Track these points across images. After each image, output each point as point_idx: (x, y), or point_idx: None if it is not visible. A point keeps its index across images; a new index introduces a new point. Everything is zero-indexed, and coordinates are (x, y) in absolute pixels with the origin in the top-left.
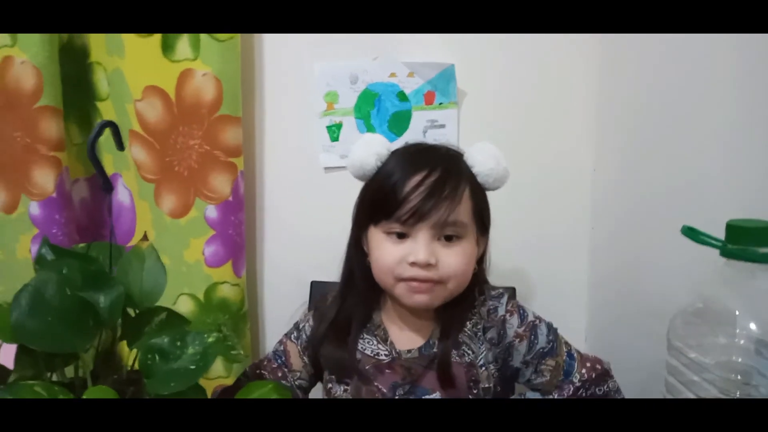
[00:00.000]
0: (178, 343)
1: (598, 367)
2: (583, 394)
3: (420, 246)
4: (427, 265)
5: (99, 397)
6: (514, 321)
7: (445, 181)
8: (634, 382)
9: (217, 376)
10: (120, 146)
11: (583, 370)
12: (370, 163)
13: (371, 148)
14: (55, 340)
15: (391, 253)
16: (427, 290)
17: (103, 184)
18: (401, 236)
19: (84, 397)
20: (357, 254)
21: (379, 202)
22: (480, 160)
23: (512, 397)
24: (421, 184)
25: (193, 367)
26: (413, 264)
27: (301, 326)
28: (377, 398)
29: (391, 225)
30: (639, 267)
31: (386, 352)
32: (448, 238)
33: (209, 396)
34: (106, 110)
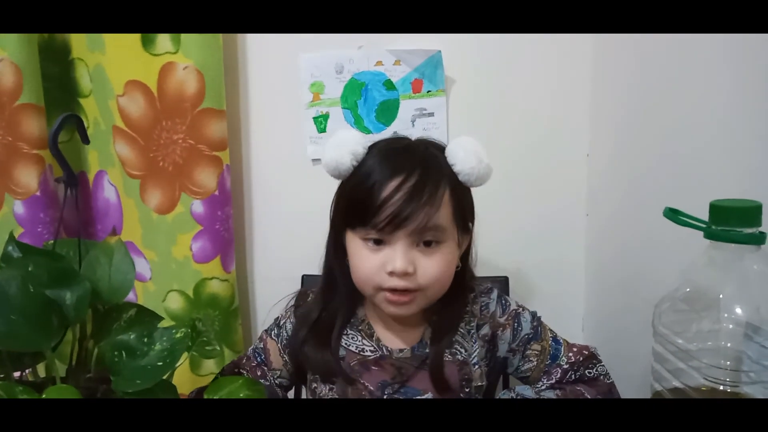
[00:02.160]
0: (146, 340)
1: (585, 352)
2: (572, 377)
3: (397, 254)
4: (405, 274)
5: (59, 397)
6: (496, 312)
7: (424, 185)
8: (634, 369)
9: (209, 373)
10: (85, 140)
11: (570, 354)
12: (345, 162)
13: (346, 147)
14: (19, 339)
15: (368, 262)
16: (405, 303)
17: (67, 179)
18: (378, 242)
19: (44, 396)
20: (336, 254)
21: (356, 207)
22: (461, 157)
23: (503, 390)
24: (399, 189)
25: (160, 363)
26: (391, 273)
27: (281, 323)
28: (367, 398)
29: (367, 231)
30: (636, 253)
31: (372, 349)
32: (427, 243)
33: (180, 395)
34: (89, 107)
